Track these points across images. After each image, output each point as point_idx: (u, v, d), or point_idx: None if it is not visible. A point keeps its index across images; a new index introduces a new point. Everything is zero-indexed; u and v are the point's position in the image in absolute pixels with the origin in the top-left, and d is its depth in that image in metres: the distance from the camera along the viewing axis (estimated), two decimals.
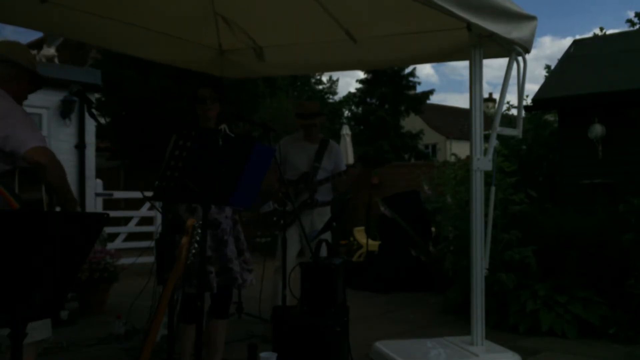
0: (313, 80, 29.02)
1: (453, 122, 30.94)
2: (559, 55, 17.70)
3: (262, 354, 3.08)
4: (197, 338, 2.63)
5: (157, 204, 3.34)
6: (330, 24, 4.32)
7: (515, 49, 3.94)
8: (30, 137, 2.48)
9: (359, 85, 25.06)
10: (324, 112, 5.02)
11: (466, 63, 4.02)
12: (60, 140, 8.05)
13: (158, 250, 2.97)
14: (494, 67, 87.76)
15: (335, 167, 4.76)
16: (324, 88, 30.49)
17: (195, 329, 2.70)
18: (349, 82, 47.80)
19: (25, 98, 2.81)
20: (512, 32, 3.84)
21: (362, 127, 23.73)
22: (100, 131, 9.48)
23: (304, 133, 4.83)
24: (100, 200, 8.81)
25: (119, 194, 10.07)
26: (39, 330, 2.53)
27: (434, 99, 26.31)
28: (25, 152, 2.43)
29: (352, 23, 4.40)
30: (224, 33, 4.81)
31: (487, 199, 4.04)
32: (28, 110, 2.82)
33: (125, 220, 9.02)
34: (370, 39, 4.54)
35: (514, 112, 8.30)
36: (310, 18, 4.35)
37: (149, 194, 2.86)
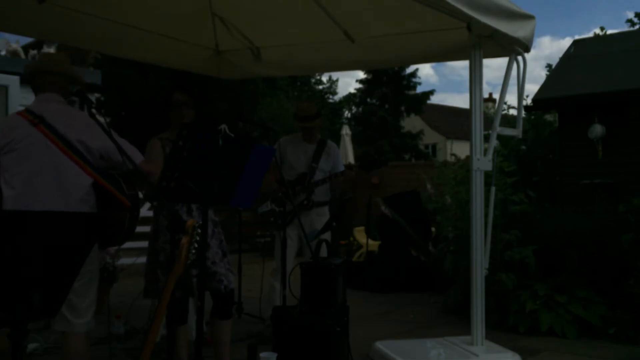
0: (313, 80, 29.06)
1: (453, 122, 30.95)
2: (559, 55, 17.68)
3: (262, 354, 3.08)
4: (198, 338, 2.63)
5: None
6: (328, 24, 4.31)
7: (515, 49, 3.94)
8: (134, 150, 2.93)
9: (359, 85, 25.11)
10: (322, 112, 4.97)
11: (466, 63, 4.02)
12: None
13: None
14: (494, 67, 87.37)
15: (333, 167, 4.74)
16: (324, 88, 30.54)
17: (196, 329, 2.69)
18: (349, 82, 47.95)
19: None
20: (517, 30, 3.84)
21: (362, 128, 23.75)
22: None
23: (302, 134, 4.83)
24: None
25: None
26: (87, 321, 2.77)
27: (434, 99, 26.35)
28: (140, 163, 2.89)
29: (350, 23, 4.39)
30: (221, 34, 4.80)
31: (487, 199, 4.04)
32: None
33: None
34: (369, 39, 4.52)
35: (514, 112, 8.30)
36: (307, 18, 4.34)
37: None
